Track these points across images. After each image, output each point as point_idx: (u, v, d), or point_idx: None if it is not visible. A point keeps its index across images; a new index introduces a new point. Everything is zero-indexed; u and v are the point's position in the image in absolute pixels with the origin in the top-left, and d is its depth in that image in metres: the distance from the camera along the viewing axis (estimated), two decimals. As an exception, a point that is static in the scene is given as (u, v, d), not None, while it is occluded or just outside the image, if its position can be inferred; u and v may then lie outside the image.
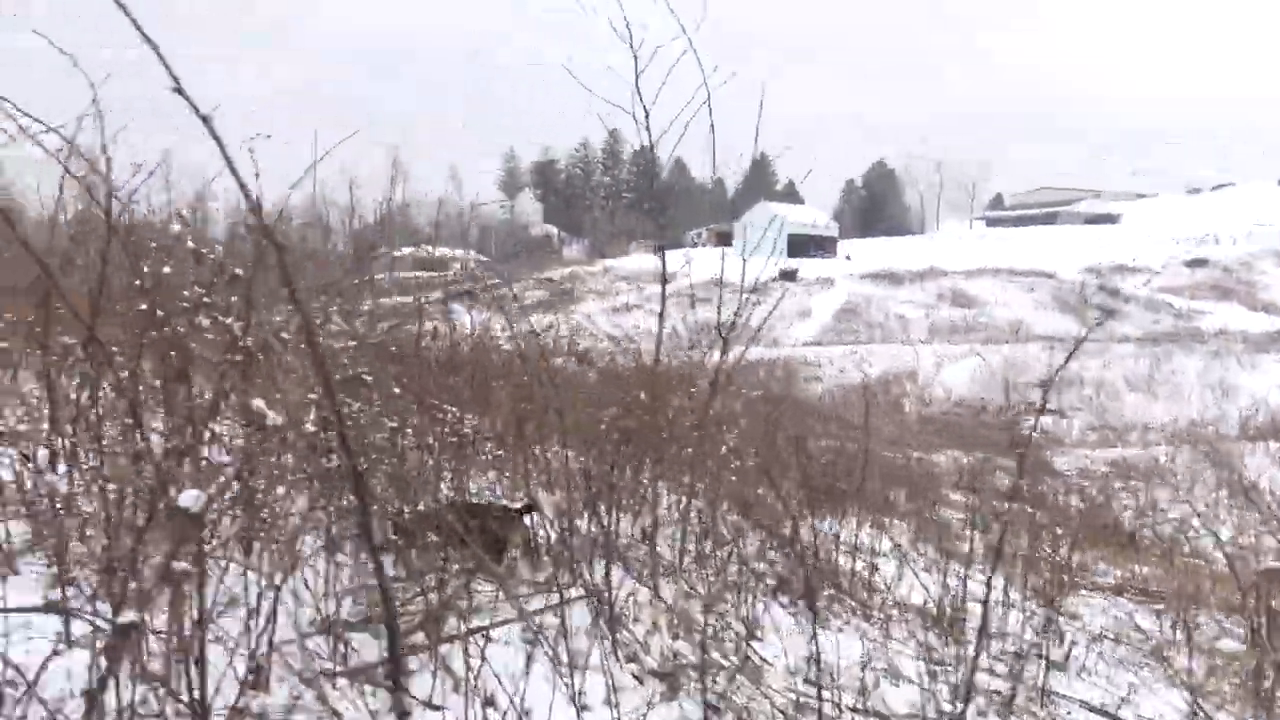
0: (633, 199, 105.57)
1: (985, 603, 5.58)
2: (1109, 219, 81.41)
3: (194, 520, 1.25)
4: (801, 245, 69.20)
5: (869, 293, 58.17)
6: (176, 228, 2.78)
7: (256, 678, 2.88)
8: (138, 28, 1.33)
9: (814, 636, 2.90)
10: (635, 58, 4.70)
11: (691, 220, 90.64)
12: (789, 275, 59.79)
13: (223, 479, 2.53)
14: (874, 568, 6.51)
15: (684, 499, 5.30)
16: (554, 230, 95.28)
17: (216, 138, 2.09)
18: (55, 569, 2.90)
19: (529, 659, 3.11)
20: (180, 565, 1.56)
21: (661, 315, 4.91)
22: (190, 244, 2.68)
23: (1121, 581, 10.00)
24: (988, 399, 41.63)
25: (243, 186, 2.24)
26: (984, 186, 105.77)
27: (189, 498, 1.24)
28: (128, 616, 1.26)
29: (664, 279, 5.07)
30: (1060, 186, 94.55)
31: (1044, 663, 4.96)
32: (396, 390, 3.60)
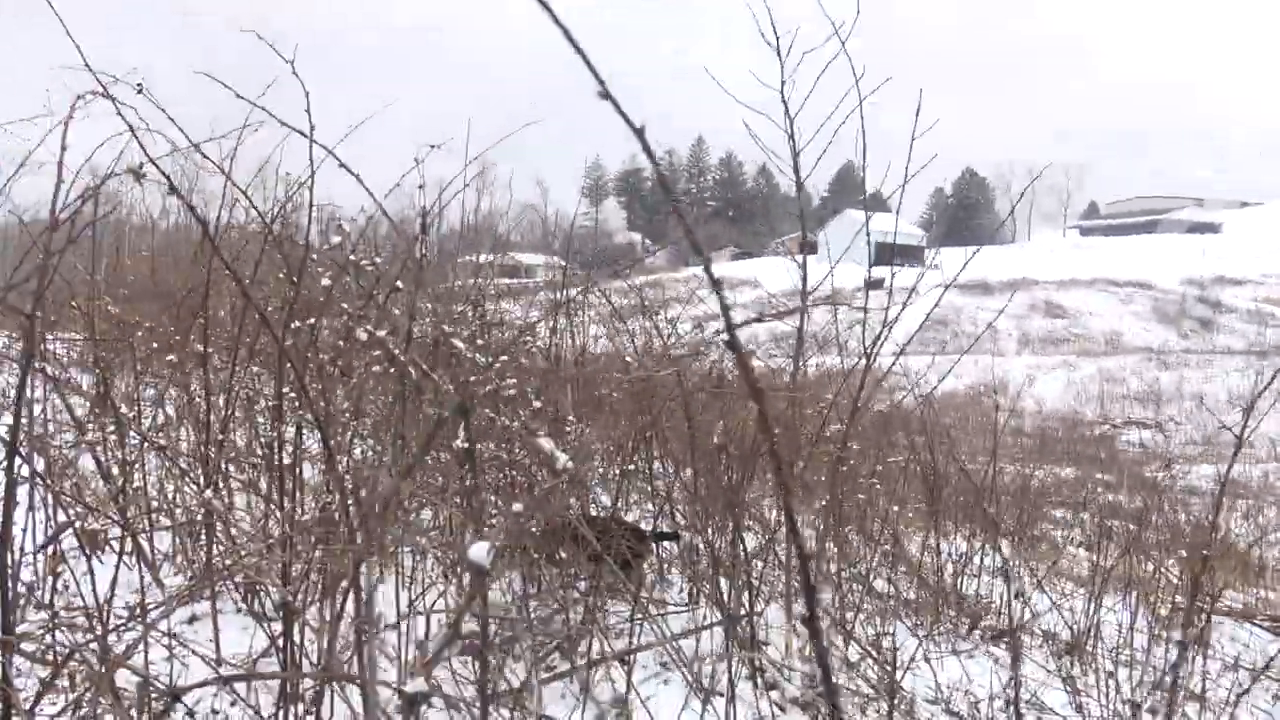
0: (717, 206, 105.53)
1: (1128, 628, 5.36)
2: (1211, 228, 78.70)
3: (483, 574, 1.18)
4: (887, 254, 68.18)
5: (958, 303, 57.08)
6: (336, 239, 2.76)
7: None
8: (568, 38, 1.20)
9: (1015, 680, 2.74)
10: (781, 63, 4.56)
11: (778, 228, 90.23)
12: (875, 284, 58.87)
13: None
14: (990, 589, 6.30)
15: (808, 516, 5.17)
16: (638, 238, 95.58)
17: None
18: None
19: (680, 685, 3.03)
20: (469, 626, 1.50)
21: (802, 322, 4.75)
22: (352, 256, 2.66)
23: (1247, 606, 9.56)
24: (1080, 412, 40.55)
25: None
26: (1078, 196, 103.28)
27: (479, 552, 1.17)
28: (418, 686, 1.20)
29: (804, 280, 4.92)
30: (1158, 195, 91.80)
31: (1181, 694, 4.71)
32: (537, 404, 3.55)
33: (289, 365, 2.74)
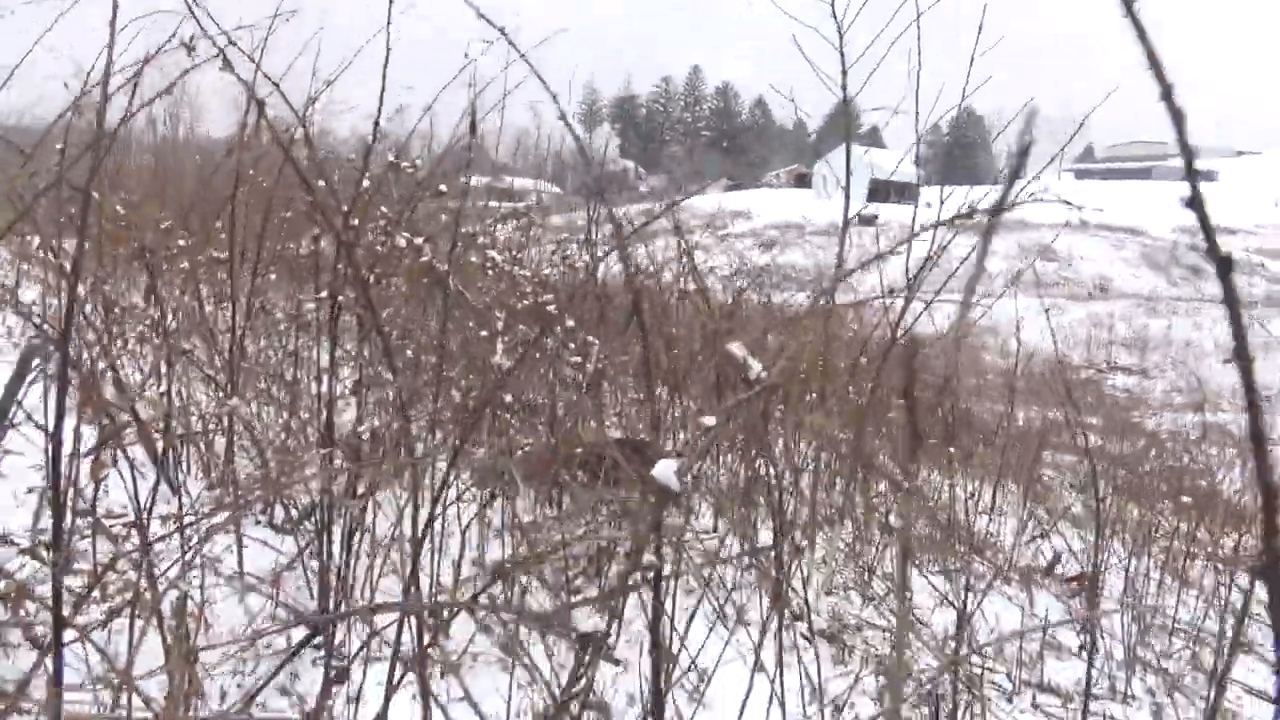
0: (712, 137, 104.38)
1: (1126, 572, 5.33)
2: (1207, 176, 78.39)
3: (674, 497, 1.08)
4: (883, 191, 67.75)
5: (954, 240, 56.64)
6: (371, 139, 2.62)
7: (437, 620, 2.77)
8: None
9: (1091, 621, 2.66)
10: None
11: (772, 160, 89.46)
12: (868, 221, 58.53)
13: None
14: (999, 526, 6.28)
15: (823, 448, 5.11)
16: (631, 165, 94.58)
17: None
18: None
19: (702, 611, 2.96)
20: (649, 559, 1.41)
21: (841, 246, 4.61)
22: (391, 158, 2.53)
23: (1240, 553, 9.62)
24: (1067, 355, 40.65)
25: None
26: (1075, 139, 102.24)
27: (665, 471, 1.07)
28: (591, 625, 1.10)
29: (846, 216, 4.78)
30: (1154, 140, 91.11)
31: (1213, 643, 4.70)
32: (571, 324, 3.44)
33: (343, 275, 2.62)
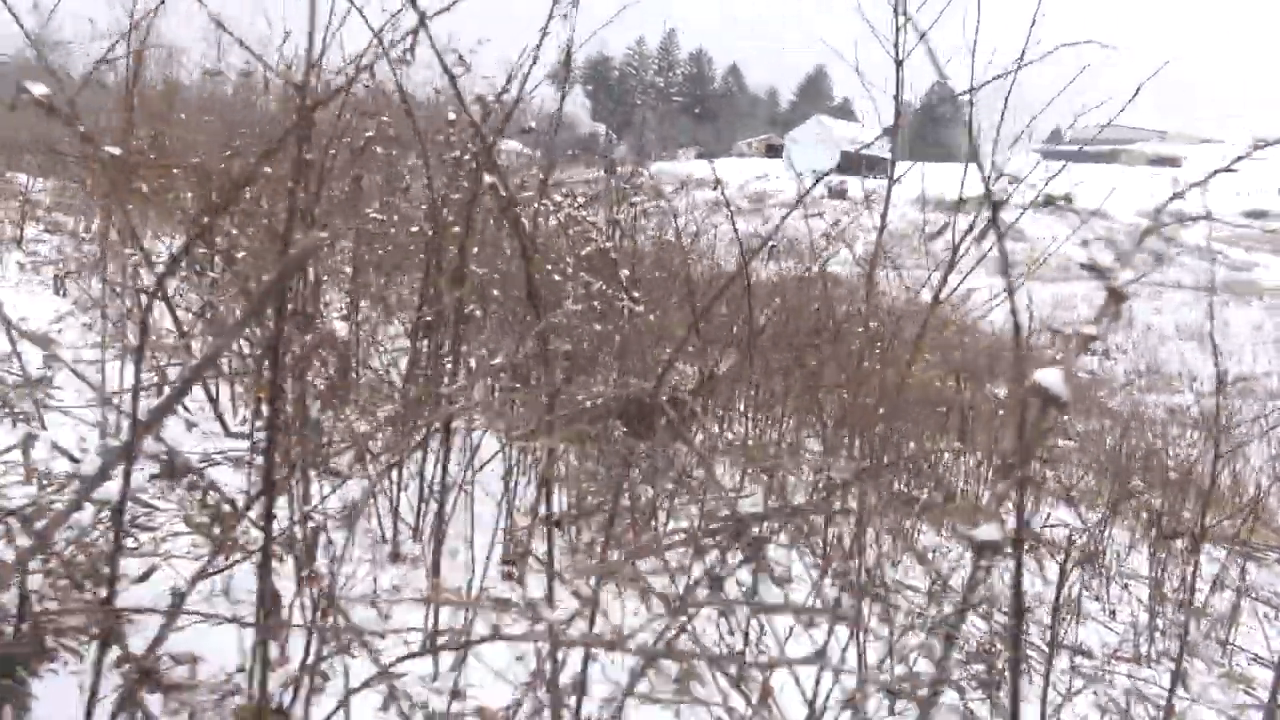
0: (684, 103, 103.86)
1: (1154, 553, 5.47)
2: (1172, 162, 79.25)
3: (1062, 406, 1.09)
4: (853, 163, 67.82)
5: (916, 217, 57.09)
6: (460, 70, 2.58)
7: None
8: None
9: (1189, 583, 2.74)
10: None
11: (743, 130, 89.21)
12: (839, 193, 58.61)
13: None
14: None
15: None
16: (602, 129, 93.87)
17: None
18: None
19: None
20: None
21: (884, 220, 4.62)
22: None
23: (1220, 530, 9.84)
24: (1034, 334, 41.16)
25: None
26: (1043, 119, 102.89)
27: (1050, 376, 1.08)
28: (990, 534, 1.11)
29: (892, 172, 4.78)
30: (1124, 125, 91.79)
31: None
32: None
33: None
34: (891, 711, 2.60)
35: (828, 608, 1.99)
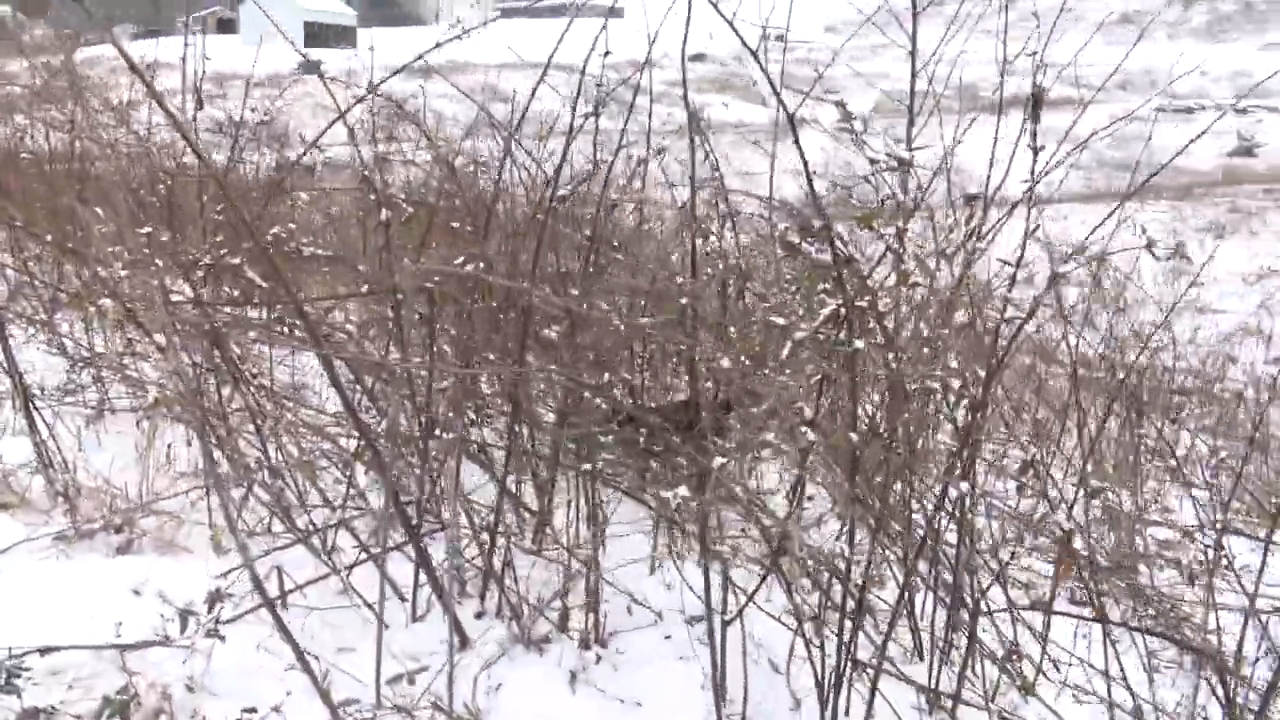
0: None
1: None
2: (617, 13, 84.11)
3: None
4: (320, 35, 64.19)
5: (401, 88, 55.65)
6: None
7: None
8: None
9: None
10: None
11: (187, 3, 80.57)
12: (312, 68, 54.83)
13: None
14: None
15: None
16: (8, 10, 79.63)
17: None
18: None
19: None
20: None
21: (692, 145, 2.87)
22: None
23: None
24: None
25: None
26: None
27: None
28: None
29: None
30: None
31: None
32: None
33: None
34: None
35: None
